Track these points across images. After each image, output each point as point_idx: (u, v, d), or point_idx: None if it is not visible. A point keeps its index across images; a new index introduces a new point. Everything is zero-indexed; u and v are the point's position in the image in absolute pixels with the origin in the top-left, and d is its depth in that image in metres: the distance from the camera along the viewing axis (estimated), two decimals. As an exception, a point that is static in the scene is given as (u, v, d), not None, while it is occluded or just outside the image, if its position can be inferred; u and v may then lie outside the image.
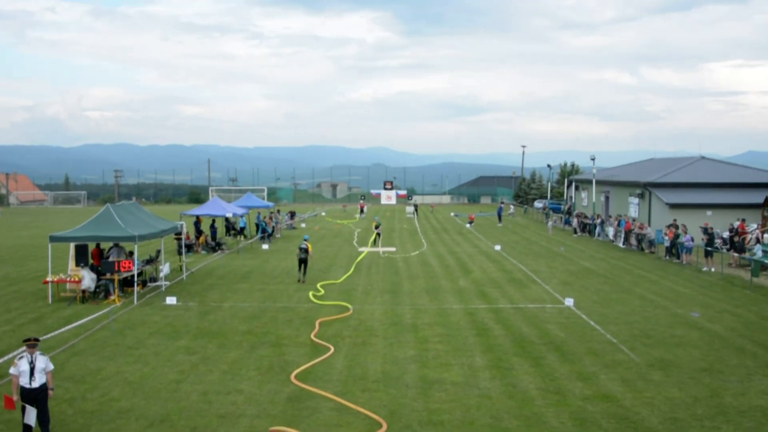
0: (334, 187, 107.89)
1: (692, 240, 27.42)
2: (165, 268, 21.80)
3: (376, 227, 33.57)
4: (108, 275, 19.32)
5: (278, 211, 42.12)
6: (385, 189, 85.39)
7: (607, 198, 44.10)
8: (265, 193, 68.32)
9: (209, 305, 18.38)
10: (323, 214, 60.28)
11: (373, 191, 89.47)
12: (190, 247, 30.29)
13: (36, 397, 9.28)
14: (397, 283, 22.06)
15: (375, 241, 32.97)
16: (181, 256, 25.03)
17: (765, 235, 24.60)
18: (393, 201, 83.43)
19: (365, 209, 59.78)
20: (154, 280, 21.65)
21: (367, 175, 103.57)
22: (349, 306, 17.61)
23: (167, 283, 21.52)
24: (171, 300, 18.63)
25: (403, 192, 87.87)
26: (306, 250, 22.07)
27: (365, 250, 31.10)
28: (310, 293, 19.50)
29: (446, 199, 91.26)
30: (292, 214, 46.24)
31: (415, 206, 59.47)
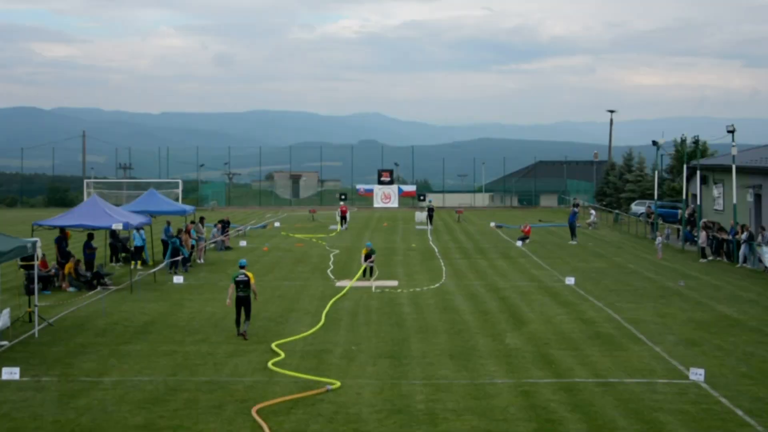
0: (295, 179, 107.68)
1: None
2: (2, 318, 21.49)
3: (367, 257, 34.14)
4: None
5: (201, 219, 42.32)
6: (381, 182, 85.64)
7: (758, 197, 44.02)
8: (180, 190, 68.15)
9: (79, 381, 18.34)
10: (277, 224, 60.61)
11: (361, 187, 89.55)
12: (48, 281, 30.18)
13: None
14: (400, 340, 22.31)
15: (366, 273, 33.84)
16: (32, 297, 24.74)
17: None
18: (393, 202, 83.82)
19: (348, 216, 59.88)
20: (-16, 337, 21.30)
21: (351, 160, 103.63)
22: (336, 382, 18.08)
23: (5, 343, 21.26)
24: (10, 373, 18.42)
25: (410, 188, 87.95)
26: (246, 284, 22.60)
27: (348, 284, 31.50)
28: (269, 363, 19.73)
29: (482, 198, 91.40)
30: (225, 225, 46.33)
31: (430, 211, 59.65)
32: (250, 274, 22.89)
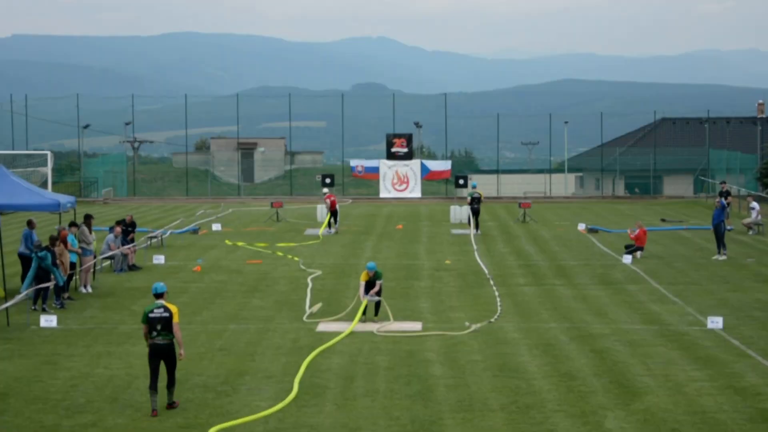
0: (246, 151, 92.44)
1: None
2: None
3: (370, 285, 28.85)
4: None
5: (87, 220, 36.10)
6: (392, 155, 71.60)
7: None
8: (50, 169, 57.37)
9: None
10: (217, 227, 52.71)
11: (358, 164, 75.07)
12: None
13: None
14: (426, 422, 18.59)
15: (367, 311, 28.91)
16: None
17: None
18: (413, 190, 71.53)
19: (338, 212, 52.00)
20: None
21: (341, 118, 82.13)
22: None
23: None
24: None
25: (441, 166, 74.45)
26: (167, 323, 19.36)
27: (343, 331, 26.50)
28: None
29: (564, 183, 79.34)
30: (128, 229, 40.20)
31: (476, 203, 50.90)
32: (173, 308, 19.31)
